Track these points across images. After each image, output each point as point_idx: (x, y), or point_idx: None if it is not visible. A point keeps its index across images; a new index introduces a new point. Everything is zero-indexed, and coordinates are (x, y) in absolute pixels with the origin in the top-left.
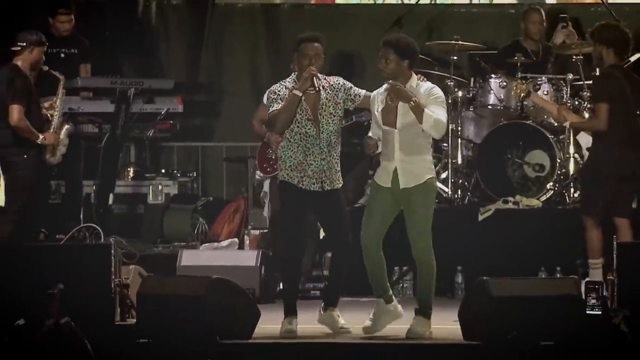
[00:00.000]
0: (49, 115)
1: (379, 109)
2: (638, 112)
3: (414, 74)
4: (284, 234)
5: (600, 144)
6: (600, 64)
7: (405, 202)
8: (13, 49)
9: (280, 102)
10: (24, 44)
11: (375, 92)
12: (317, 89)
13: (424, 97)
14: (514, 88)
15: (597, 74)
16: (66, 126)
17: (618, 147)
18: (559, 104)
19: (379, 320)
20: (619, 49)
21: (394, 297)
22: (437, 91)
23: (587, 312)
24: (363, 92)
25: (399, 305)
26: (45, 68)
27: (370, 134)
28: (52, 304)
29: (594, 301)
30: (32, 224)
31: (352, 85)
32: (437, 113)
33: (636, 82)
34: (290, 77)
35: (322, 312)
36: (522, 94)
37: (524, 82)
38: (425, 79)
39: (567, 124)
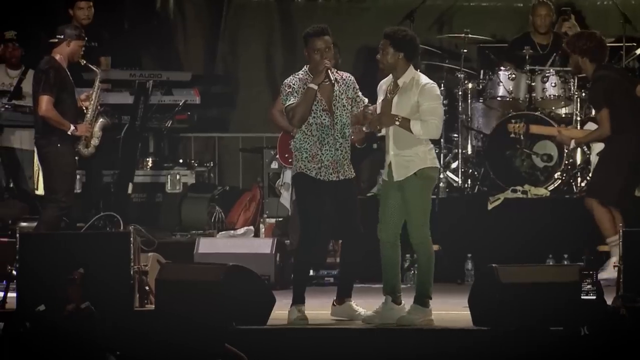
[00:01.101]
0: (84, 107)
1: (379, 100)
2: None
3: (411, 67)
4: (303, 232)
5: (618, 133)
6: (579, 72)
7: (401, 194)
8: (51, 41)
9: (295, 94)
10: (62, 36)
11: (382, 81)
12: (333, 81)
13: (417, 91)
14: (511, 130)
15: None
16: (101, 119)
17: (634, 136)
18: (558, 127)
19: (382, 317)
20: (594, 58)
21: (403, 300)
22: (431, 87)
23: (582, 297)
24: (365, 100)
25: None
26: (84, 62)
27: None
28: (73, 288)
29: (589, 287)
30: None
31: (358, 89)
32: (424, 119)
33: (624, 73)
34: (303, 69)
35: (336, 304)
36: (520, 132)
37: (516, 121)
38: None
39: (572, 144)
